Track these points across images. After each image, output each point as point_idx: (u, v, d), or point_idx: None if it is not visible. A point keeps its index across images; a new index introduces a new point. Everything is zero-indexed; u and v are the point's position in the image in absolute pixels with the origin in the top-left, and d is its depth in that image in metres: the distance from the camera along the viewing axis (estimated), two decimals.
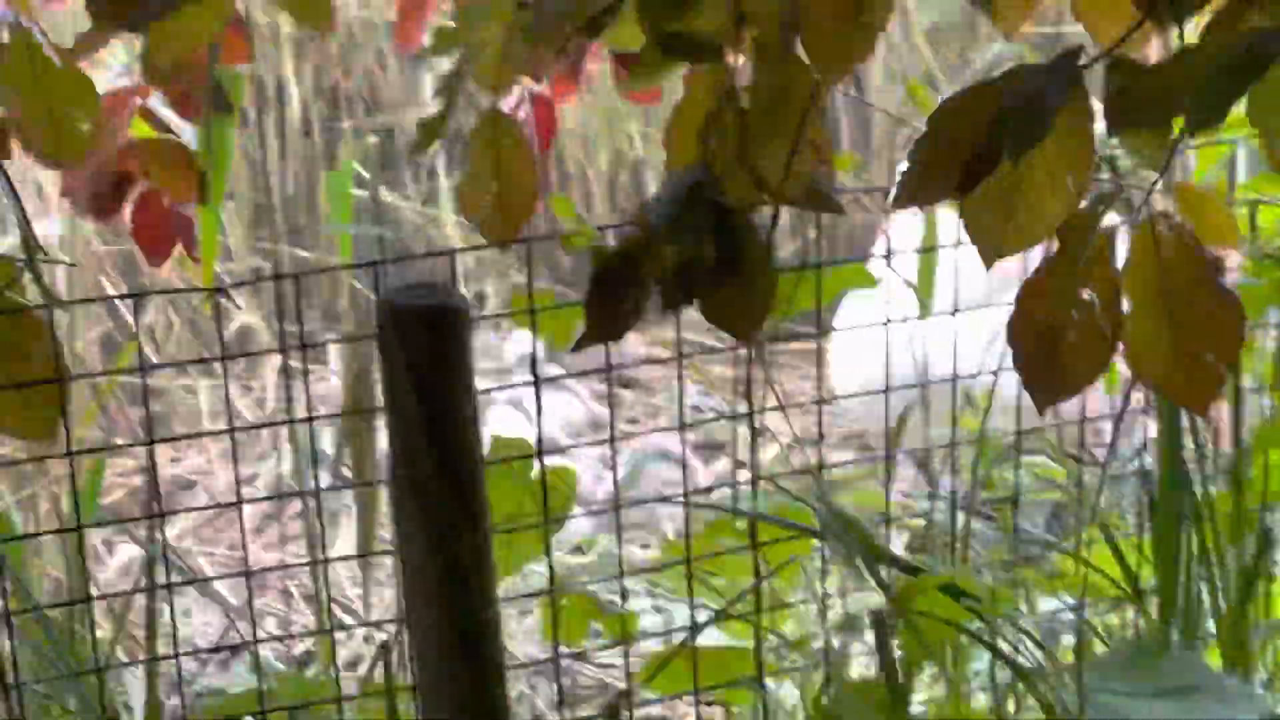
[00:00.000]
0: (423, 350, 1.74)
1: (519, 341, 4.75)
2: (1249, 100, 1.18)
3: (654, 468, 4.12)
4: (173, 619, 1.97)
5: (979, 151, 1.24)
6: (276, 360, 4.77)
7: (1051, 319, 1.39)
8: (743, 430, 4.37)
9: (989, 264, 1.37)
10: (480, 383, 4.68)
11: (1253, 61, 1.08)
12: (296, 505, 4.05)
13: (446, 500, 1.77)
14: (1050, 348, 1.40)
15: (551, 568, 1.93)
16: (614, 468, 2.01)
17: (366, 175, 5.47)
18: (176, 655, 1.94)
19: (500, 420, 4.29)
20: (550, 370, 4.54)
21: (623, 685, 2.70)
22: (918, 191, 1.31)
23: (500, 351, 4.83)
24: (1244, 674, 1.99)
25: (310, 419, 1.96)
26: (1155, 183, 1.31)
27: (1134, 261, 1.37)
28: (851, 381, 3.95)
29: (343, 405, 2.84)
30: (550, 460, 1.96)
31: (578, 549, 3.80)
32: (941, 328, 2.13)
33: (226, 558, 3.99)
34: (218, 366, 4.76)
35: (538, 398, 1.93)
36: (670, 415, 4.61)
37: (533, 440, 1.96)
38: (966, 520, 2.03)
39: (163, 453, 4.50)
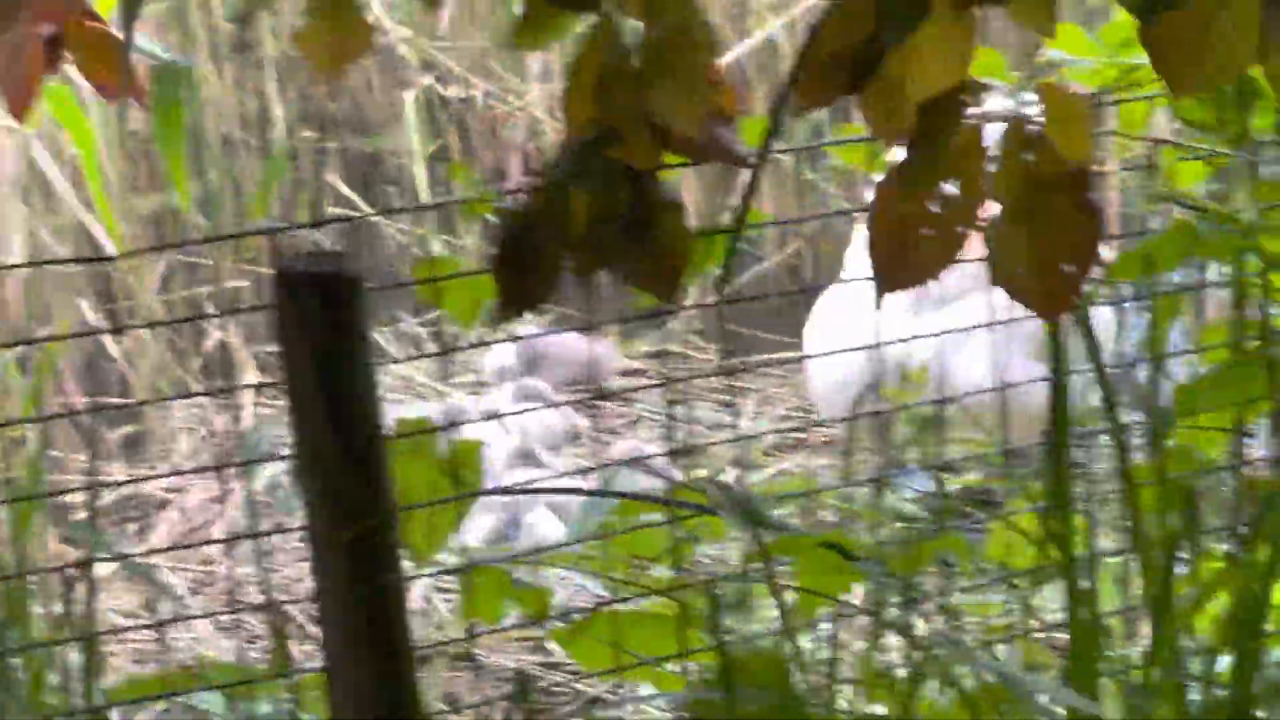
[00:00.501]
0: (317, 318, 1.73)
1: (498, 354, 4.73)
2: None
3: (628, 474, 4.10)
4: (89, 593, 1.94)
5: (866, 44, 1.24)
6: (253, 375, 4.76)
7: (911, 208, 1.41)
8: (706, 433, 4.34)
9: (889, 145, 1.38)
10: (456, 395, 4.65)
11: None
12: (269, 522, 4.05)
13: (346, 470, 1.75)
14: (905, 237, 1.43)
15: (465, 545, 1.92)
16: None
17: (350, 194, 5.49)
18: (92, 636, 1.92)
19: (478, 433, 4.27)
20: (532, 384, 4.51)
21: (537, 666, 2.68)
22: (812, 93, 1.32)
23: (479, 365, 4.82)
24: (1171, 645, 1.96)
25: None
26: (1026, 81, 1.32)
27: (1002, 164, 1.39)
28: (825, 383, 3.95)
29: None
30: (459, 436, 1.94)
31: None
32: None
33: (200, 574, 3.98)
34: (195, 384, 4.75)
35: (445, 369, 1.91)
36: (650, 426, 4.59)
37: (441, 418, 1.94)
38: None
39: (133, 470, 4.49)
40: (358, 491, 1.76)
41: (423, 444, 1.93)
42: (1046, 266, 1.42)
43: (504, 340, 4.81)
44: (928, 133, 1.41)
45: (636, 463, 4.10)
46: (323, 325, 1.72)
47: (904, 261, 1.47)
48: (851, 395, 3.13)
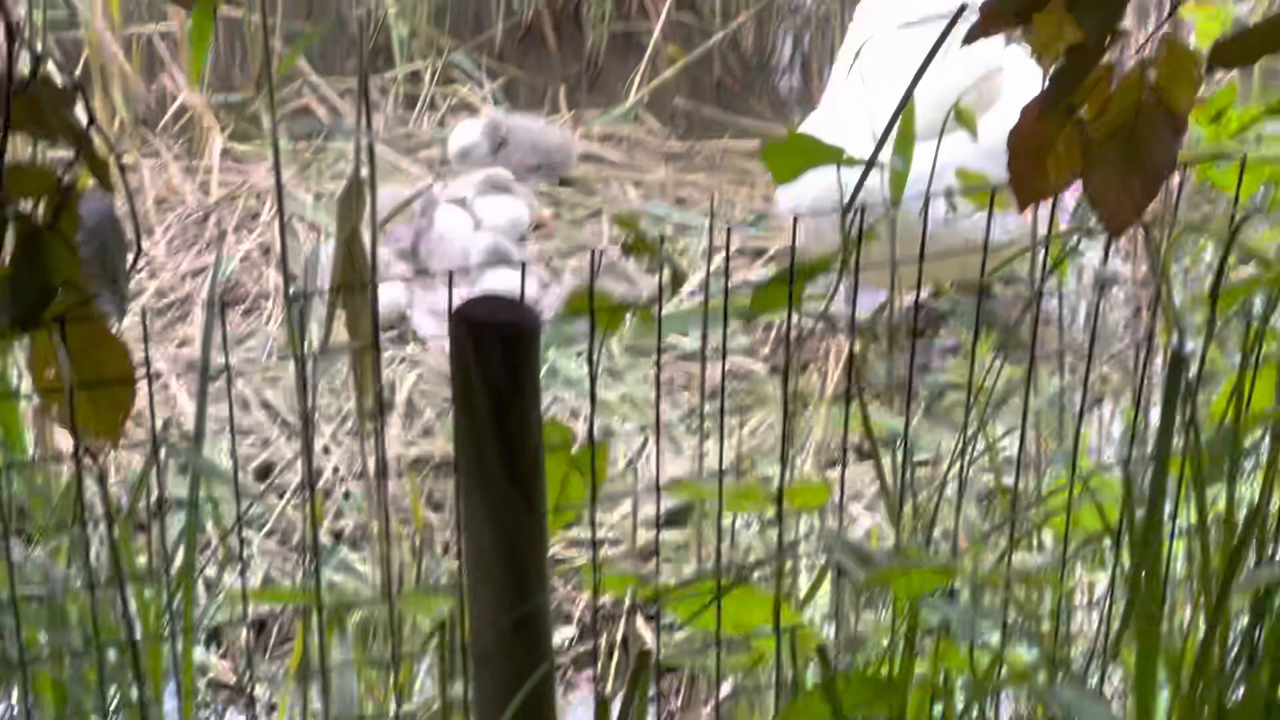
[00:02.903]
0: (497, 366, 1.83)
1: (462, 133, 4.76)
2: None
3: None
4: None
5: None
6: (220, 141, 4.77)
7: (1046, 129, 1.70)
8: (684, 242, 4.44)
9: (1045, 67, 1.69)
10: (424, 178, 4.66)
11: None
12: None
13: (510, 497, 1.88)
14: (1040, 152, 1.71)
15: (595, 544, 2.06)
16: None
17: None
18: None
19: (447, 221, 4.33)
20: (497, 174, 4.52)
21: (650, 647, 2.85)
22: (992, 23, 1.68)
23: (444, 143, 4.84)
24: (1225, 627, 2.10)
25: None
26: (1156, 29, 1.55)
27: (1115, 99, 1.68)
28: (795, 203, 4.05)
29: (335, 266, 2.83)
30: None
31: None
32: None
33: (175, 356, 4.04)
34: (160, 145, 4.75)
35: (593, 395, 2.01)
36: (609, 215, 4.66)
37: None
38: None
39: None
40: (519, 507, 1.90)
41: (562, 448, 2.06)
42: (1123, 187, 1.70)
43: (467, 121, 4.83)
44: (1073, 65, 1.69)
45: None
46: (503, 372, 1.83)
47: (1037, 176, 1.73)
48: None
